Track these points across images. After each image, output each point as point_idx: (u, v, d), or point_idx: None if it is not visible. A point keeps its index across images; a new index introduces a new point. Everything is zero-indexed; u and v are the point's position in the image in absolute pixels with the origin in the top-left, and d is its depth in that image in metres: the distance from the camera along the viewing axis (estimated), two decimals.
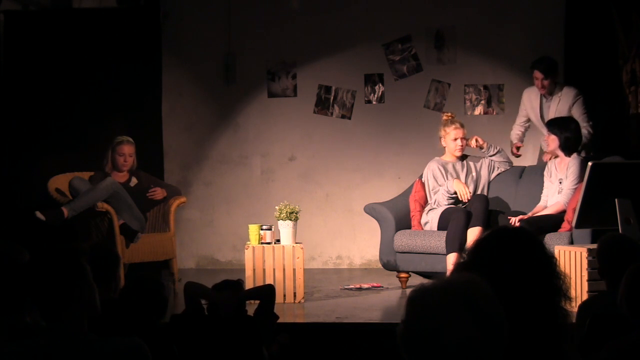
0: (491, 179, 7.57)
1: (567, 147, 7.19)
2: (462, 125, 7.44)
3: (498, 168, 7.54)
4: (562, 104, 7.59)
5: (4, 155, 8.13)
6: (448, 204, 7.31)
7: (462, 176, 7.46)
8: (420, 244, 7.29)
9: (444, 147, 7.49)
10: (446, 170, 7.45)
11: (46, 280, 2.74)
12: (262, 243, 6.85)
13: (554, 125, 7.25)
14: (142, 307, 4.08)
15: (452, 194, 7.31)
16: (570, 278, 6.03)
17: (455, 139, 7.40)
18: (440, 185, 7.39)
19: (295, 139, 8.87)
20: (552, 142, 7.23)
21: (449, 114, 7.62)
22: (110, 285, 4.27)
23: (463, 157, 7.52)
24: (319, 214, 8.84)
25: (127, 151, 7.54)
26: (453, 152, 7.44)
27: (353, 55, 8.74)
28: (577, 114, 7.54)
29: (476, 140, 7.49)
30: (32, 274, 2.78)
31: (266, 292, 4.99)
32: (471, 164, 7.56)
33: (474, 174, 7.45)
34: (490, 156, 7.54)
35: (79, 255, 2.80)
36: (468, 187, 7.33)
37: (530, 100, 7.73)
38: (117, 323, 3.91)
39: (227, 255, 8.90)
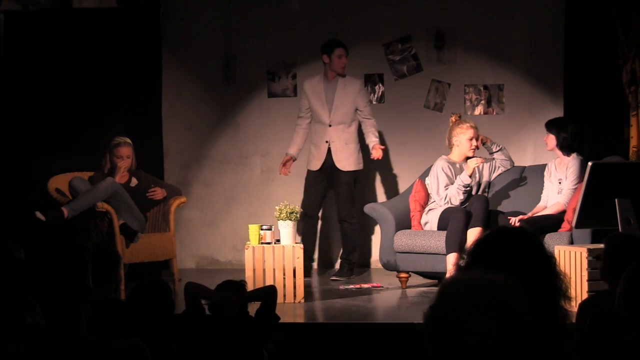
0: (492, 179, 7.58)
1: (565, 147, 7.20)
2: (475, 126, 7.45)
3: (499, 168, 7.54)
4: (348, 90, 7.95)
5: (4, 155, 8.13)
6: (462, 198, 7.30)
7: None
8: (420, 244, 7.29)
9: (455, 146, 7.46)
10: (453, 170, 7.45)
11: (54, 279, 2.74)
12: (262, 243, 6.85)
13: (552, 126, 7.28)
14: (150, 311, 4.08)
15: (466, 187, 7.31)
16: (570, 278, 6.02)
17: (471, 139, 7.40)
18: (450, 183, 7.37)
19: None
20: (550, 141, 7.26)
21: (458, 114, 7.62)
22: (111, 285, 4.27)
23: (466, 158, 7.51)
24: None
25: (124, 153, 7.53)
26: (467, 152, 7.42)
27: (353, 55, 8.73)
28: (363, 104, 7.97)
29: (481, 139, 7.51)
30: (38, 272, 2.78)
31: (268, 293, 4.99)
32: None
33: (477, 174, 7.45)
34: (493, 153, 7.54)
35: (84, 252, 2.80)
36: (474, 181, 7.36)
37: (312, 87, 8.02)
38: (122, 324, 3.91)
39: (227, 255, 8.90)
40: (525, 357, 1.96)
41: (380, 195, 8.18)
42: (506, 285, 1.99)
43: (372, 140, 7.95)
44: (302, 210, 7.83)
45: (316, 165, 8.01)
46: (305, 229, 8.09)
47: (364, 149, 8.07)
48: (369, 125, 7.96)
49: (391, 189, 8.33)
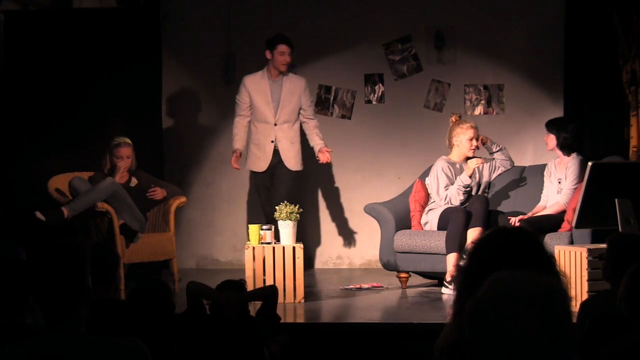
0: (492, 179, 7.58)
1: (566, 147, 7.20)
2: (475, 126, 7.44)
3: (499, 168, 7.54)
4: (294, 87, 7.76)
5: (4, 155, 8.13)
6: (462, 198, 7.30)
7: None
8: (420, 244, 7.29)
9: (455, 147, 7.45)
10: (453, 170, 7.44)
11: (53, 278, 2.74)
12: (262, 243, 6.85)
13: (552, 125, 7.28)
14: (150, 311, 4.08)
15: (466, 187, 7.31)
16: (570, 278, 6.02)
17: (471, 139, 7.39)
18: (450, 183, 7.37)
19: None
20: (551, 141, 7.26)
21: (458, 114, 7.62)
22: (110, 285, 4.27)
23: (466, 158, 7.50)
24: (319, 214, 8.84)
25: (124, 153, 7.53)
26: (467, 152, 7.41)
27: (353, 55, 8.74)
28: (307, 103, 7.82)
29: (481, 139, 7.51)
30: (37, 272, 2.77)
31: (269, 293, 4.99)
32: None
33: (477, 175, 7.45)
34: (493, 153, 7.54)
35: (83, 251, 2.80)
36: (474, 181, 7.36)
37: (255, 84, 7.77)
38: (122, 324, 3.91)
39: (227, 255, 8.90)
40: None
41: (380, 195, 8.17)
42: (555, 289, 2.00)
43: (317, 142, 7.79)
44: (264, 217, 7.68)
45: (262, 166, 7.76)
46: None
47: (306, 151, 7.89)
48: (312, 126, 7.81)
49: (391, 189, 8.33)
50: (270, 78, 7.75)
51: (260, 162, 7.78)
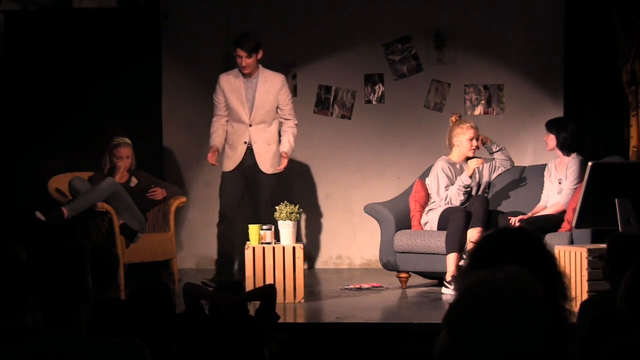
0: (492, 179, 7.57)
1: (565, 147, 7.20)
2: (475, 126, 7.43)
3: (499, 168, 7.54)
4: (269, 86, 7.52)
5: (4, 155, 8.13)
6: (463, 198, 7.30)
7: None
8: (420, 244, 7.29)
9: (455, 147, 7.45)
10: (454, 170, 7.44)
11: (53, 278, 2.74)
12: (262, 243, 6.85)
13: (552, 125, 7.29)
14: (150, 311, 4.08)
15: (467, 187, 7.31)
16: (570, 278, 6.02)
17: (471, 139, 7.38)
18: (450, 183, 7.37)
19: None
20: (551, 141, 7.26)
21: (458, 114, 7.62)
22: (110, 286, 4.27)
23: (466, 158, 7.50)
24: (319, 214, 8.83)
25: (124, 153, 7.53)
26: (467, 152, 7.40)
27: (353, 55, 8.74)
28: (284, 102, 7.56)
29: (481, 139, 7.51)
30: (37, 272, 2.77)
31: (267, 292, 5.00)
32: None
33: (477, 175, 7.45)
34: (493, 153, 7.54)
35: (83, 252, 2.81)
36: (474, 181, 7.36)
37: (230, 83, 7.57)
38: (122, 324, 3.91)
39: None
40: (540, 351, 1.97)
41: (380, 195, 8.17)
42: (523, 277, 2.00)
43: (282, 146, 7.53)
44: (219, 213, 7.65)
45: (230, 166, 7.59)
46: (224, 232, 7.57)
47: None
48: (286, 126, 7.59)
49: (391, 189, 8.33)
50: (245, 76, 7.54)
51: (230, 162, 7.62)
